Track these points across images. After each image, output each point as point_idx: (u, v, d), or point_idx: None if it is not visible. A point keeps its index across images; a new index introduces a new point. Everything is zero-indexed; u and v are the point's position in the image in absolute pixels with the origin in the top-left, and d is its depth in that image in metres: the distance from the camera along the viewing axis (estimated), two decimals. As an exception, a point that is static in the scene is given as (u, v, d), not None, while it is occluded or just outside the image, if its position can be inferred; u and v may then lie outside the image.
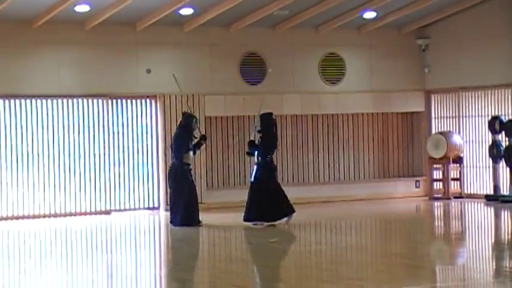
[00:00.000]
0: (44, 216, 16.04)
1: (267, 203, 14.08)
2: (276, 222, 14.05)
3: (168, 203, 14.82)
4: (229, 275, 10.06)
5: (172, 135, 14.84)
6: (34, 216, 15.96)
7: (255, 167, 14.34)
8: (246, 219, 14.17)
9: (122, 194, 16.69)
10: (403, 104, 18.56)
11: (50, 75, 16.10)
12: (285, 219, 14.15)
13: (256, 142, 14.39)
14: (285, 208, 14.16)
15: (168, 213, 15.87)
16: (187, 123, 14.35)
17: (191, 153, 14.35)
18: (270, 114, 14.52)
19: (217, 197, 16.91)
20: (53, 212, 16.17)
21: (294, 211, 14.20)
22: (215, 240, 13.17)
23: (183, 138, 14.27)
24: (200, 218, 14.27)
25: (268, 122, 14.38)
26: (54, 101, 16.27)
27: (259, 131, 14.49)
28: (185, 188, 14.17)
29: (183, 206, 14.12)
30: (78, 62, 16.29)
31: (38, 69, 16.03)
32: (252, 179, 14.38)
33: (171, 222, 14.27)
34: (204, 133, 15.33)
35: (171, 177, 14.39)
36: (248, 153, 14.79)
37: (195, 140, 14.46)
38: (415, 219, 15.85)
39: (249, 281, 9.66)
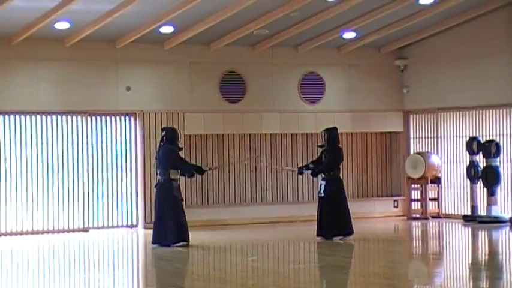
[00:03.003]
0: (22, 233, 15.94)
1: (340, 217, 14.30)
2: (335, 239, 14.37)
3: (153, 221, 14.14)
4: (207, 294, 10.03)
5: (157, 150, 14.18)
6: (11, 234, 15.86)
7: (324, 182, 14.48)
8: (320, 235, 14.37)
9: (100, 211, 16.64)
10: (382, 124, 18.66)
11: (29, 91, 16.06)
12: (340, 237, 14.39)
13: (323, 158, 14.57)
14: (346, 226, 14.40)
15: (148, 231, 15.80)
16: (172, 137, 13.95)
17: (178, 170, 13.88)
18: (335, 128, 14.77)
19: (196, 216, 16.87)
20: (30, 229, 16.07)
21: (351, 233, 14.41)
22: (194, 259, 13.13)
23: (170, 153, 13.84)
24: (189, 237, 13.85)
25: (334, 137, 14.63)
26: (33, 117, 16.23)
27: (321, 146, 14.74)
28: (173, 206, 13.72)
29: (173, 225, 13.69)
30: (58, 78, 16.27)
31: (17, 86, 15.99)
32: (322, 194, 14.47)
33: (153, 242, 13.79)
34: (210, 167, 15.34)
35: (158, 195, 13.85)
36: (311, 175, 14.87)
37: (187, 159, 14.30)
38: (393, 239, 15.88)
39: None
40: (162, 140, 14.05)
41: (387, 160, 18.94)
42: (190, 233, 14.17)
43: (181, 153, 14.39)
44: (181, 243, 13.74)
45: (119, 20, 15.02)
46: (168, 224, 13.73)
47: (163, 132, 14.10)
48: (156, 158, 14.15)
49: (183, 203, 14.16)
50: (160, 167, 13.90)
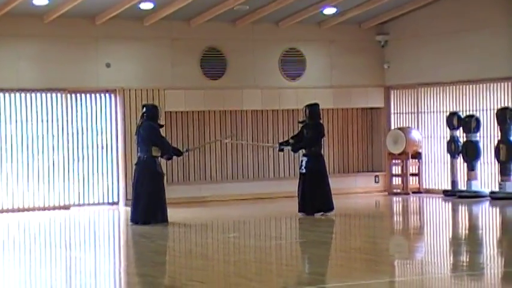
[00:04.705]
0: (2, 211, 15.88)
1: (321, 193, 14.29)
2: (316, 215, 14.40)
3: (132, 199, 14.06)
4: (189, 270, 10.06)
5: (137, 127, 14.05)
6: (-8, 211, 15.80)
7: (305, 158, 14.45)
8: (301, 211, 14.36)
9: (81, 188, 16.59)
10: (363, 100, 18.68)
11: (8, 68, 15.94)
12: (321, 213, 14.41)
13: (305, 133, 14.53)
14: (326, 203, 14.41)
15: (128, 208, 15.82)
16: (153, 114, 13.83)
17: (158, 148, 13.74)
18: (317, 104, 14.73)
19: (177, 193, 16.87)
20: (10, 207, 16.01)
21: (332, 209, 14.41)
22: (175, 236, 13.14)
23: (151, 129, 13.73)
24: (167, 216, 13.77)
25: (316, 113, 14.59)
26: (12, 94, 16.12)
27: (302, 122, 14.69)
28: (154, 184, 13.66)
29: (156, 203, 13.63)
30: (37, 55, 16.15)
31: (-4, 63, 15.86)
32: (304, 170, 14.41)
33: (132, 220, 13.74)
34: (187, 148, 15.22)
35: (139, 172, 13.74)
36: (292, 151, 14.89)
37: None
38: (374, 214, 15.96)
39: (210, 276, 9.67)
40: (142, 117, 13.95)
41: (368, 136, 18.99)
42: (172, 210, 14.19)
43: (162, 130, 14.36)
44: (165, 224, 13.69)
45: (98, -4, 14.91)
46: (151, 201, 13.66)
47: (144, 109, 14.02)
48: (136, 135, 14.05)
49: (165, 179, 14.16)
50: (142, 144, 13.79)
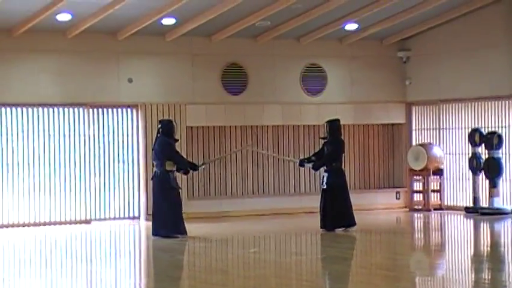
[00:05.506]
0: (23, 225, 15.95)
1: (342, 208, 14.32)
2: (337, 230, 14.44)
3: (151, 213, 14.33)
4: (209, 285, 10.05)
5: (153, 142, 14.36)
6: (13, 225, 15.87)
7: (326, 174, 14.50)
8: (323, 227, 14.40)
9: (102, 203, 16.65)
10: (384, 116, 18.64)
11: (30, 83, 16.05)
12: (343, 228, 14.45)
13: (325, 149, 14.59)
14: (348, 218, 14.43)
15: (149, 223, 15.87)
16: (168, 129, 14.12)
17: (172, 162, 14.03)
18: (338, 120, 14.80)
19: (197, 207, 16.89)
20: (32, 221, 16.08)
21: (354, 224, 14.43)
22: (195, 250, 13.14)
23: (165, 145, 14.00)
24: (186, 230, 13.93)
25: (336, 129, 14.65)
26: (35, 109, 16.22)
27: (323, 138, 14.77)
28: (169, 197, 13.88)
29: (172, 216, 13.81)
30: (59, 70, 16.26)
31: (19, 78, 15.97)
32: (325, 186, 14.47)
33: (153, 234, 13.91)
34: (203, 162, 15.33)
35: (155, 187, 14.04)
36: (313, 168, 14.93)
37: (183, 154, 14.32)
38: (396, 231, 15.90)
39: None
40: (158, 132, 14.20)
41: (389, 152, 18.93)
42: (192, 225, 14.21)
43: (179, 145, 14.43)
44: (180, 237, 13.76)
45: (120, 11, 15.00)
46: (167, 215, 13.79)
47: (160, 125, 14.26)
48: (152, 150, 14.33)
49: (181, 192, 14.24)
50: (156, 158, 14.09)
